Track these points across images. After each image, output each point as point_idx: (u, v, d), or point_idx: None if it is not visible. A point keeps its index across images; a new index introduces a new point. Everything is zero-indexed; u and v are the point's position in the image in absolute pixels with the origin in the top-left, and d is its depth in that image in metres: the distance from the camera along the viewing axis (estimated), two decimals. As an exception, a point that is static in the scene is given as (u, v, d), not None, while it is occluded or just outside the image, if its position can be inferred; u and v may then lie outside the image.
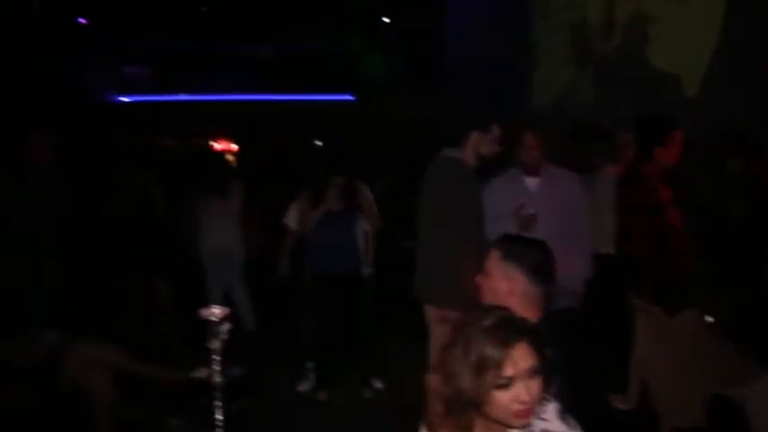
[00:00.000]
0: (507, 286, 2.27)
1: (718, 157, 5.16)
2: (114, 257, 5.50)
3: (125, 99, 14.68)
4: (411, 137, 9.22)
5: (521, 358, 1.64)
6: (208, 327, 2.08)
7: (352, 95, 13.81)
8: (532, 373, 1.65)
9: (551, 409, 1.84)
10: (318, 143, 8.29)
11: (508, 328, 1.68)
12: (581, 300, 4.10)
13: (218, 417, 2.17)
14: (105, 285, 5.52)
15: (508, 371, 1.63)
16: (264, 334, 5.82)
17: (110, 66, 14.31)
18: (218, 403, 2.17)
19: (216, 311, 2.08)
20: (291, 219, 4.94)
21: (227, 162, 6.80)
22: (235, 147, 11.71)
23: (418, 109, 10.38)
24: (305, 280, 4.93)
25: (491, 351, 1.64)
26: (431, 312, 3.76)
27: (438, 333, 3.59)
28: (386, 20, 13.24)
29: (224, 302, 5.51)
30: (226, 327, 2.10)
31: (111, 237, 5.52)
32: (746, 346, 3.85)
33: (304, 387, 4.93)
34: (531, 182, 4.17)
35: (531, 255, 2.32)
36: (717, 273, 4.28)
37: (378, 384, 4.90)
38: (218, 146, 11.55)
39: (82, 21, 13.24)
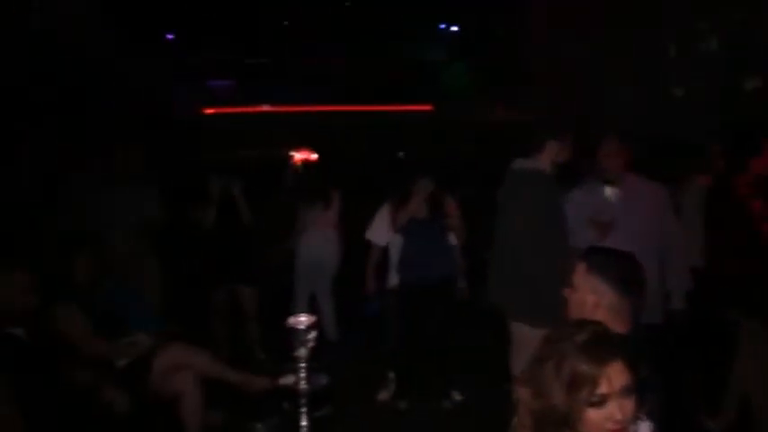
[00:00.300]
0: (594, 299, 2.23)
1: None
2: (202, 266, 5.68)
3: (210, 111, 15.15)
4: (491, 145, 9.16)
5: (616, 376, 1.61)
6: (294, 335, 2.11)
7: (433, 105, 13.85)
8: (627, 391, 1.62)
9: (644, 429, 1.80)
10: (401, 154, 8.32)
11: (604, 345, 1.65)
12: (677, 317, 3.93)
13: (303, 423, 2.20)
14: (194, 293, 5.71)
15: (602, 389, 1.60)
16: (345, 342, 5.87)
17: (195, 80, 14.80)
18: (303, 410, 2.19)
19: (303, 320, 2.11)
20: (374, 233, 4.97)
21: (329, 172, 6.86)
22: (314, 156, 11.90)
23: (498, 117, 10.32)
24: (390, 289, 4.94)
25: (586, 368, 1.61)
26: (522, 330, 3.64)
27: (525, 352, 3.47)
28: (465, 29, 13.22)
29: (310, 310, 5.61)
30: (312, 335, 2.13)
31: (198, 246, 5.70)
32: None
33: (384, 396, 4.95)
34: (612, 191, 3.99)
35: (618, 266, 2.27)
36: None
37: (457, 396, 4.87)
38: (298, 156, 11.78)
39: (169, 37, 13.76)
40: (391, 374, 4.98)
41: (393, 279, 4.89)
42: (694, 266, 4.63)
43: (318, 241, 5.80)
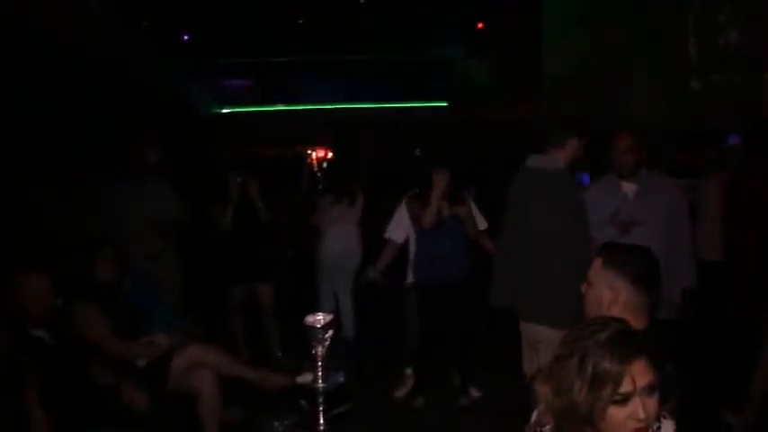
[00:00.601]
0: (610, 295, 2.22)
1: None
2: (220, 265, 5.72)
3: (226, 110, 15.22)
4: (507, 143, 9.12)
5: (639, 374, 1.60)
6: (313, 333, 2.12)
7: (448, 102, 13.82)
8: (650, 390, 1.61)
9: (667, 427, 1.79)
10: (418, 151, 8.31)
11: (628, 343, 1.63)
12: (681, 310, 3.90)
13: (321, 421, 2.21)
14: (213, 291, 5.75)
15: (626, 387, 1.59)
16: (363, 339, 5.89)
17: (211, 79, 14.88)
18: (321, 408, 2.20)
19: (321, 318, 2.12)
20: (393, 231, 4.97)
21: (349, 169, 6.88)
22: (331, 154, 11.95)
23: (516, 114, 10.28)
24: (408, 287, 4.94)
25: (609, 365, 1.59)
26: (539, 330, 3.58)
27: (544, 352, 3.40)
28: (482, 26, 13.17)
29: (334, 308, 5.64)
30: (330, 333, 2.14)
31: (216, 244, 5.74)
32: None
33: (401, 393, 4.96)
34: (628, 188, 3.98)
35: (634, 262, 2.25)
36: None
37: (475, 393, 4.86)
38: (315, 153, 11.84)
39: (185, 37, 13.84)
40: (408, 371, 4.99)
41: (411, 276, 4.89)
42: (711, 261, 4.62)
43: (341, 239, 5.83)
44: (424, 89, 13.67)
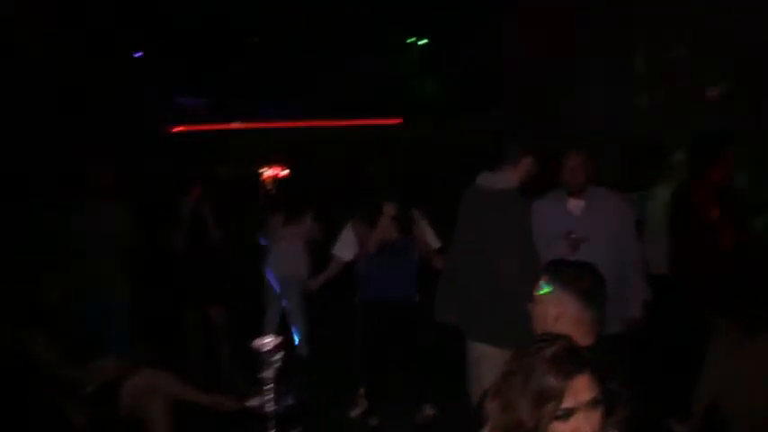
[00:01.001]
0: (556, 311, 2.25)
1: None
2: (173, 286, 5.64)
3: (180, 129, 15.05)
4: (463, 160, 9.20)
5: (582, 390, 1.63)
6: (260, 357, 2.11)
7: (404, 119, 13.89)
8: (593, 404, 1.63)
9: None
10: (369, 168, 8.33)
11: (570, 359, 1.66)
12: (634, 325, 3.96)
13: (272, 444, 2.20)
14: (165, 313, 5.66)
15: (569, 402, 1.61)
16: (317, 359, 5.85)
17: (165, 96, 14.70)
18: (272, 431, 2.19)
19: (269, 341, 2.11)
20: (341, 248, 4.97)
21: (299, 187, 6.86)
22: (285, 172, 11.91)
23: (472, 131, 10.38)
24: (358, 306, 4.94)
25: (552, 382, 1.62)
26: (485, 348, 3.61)
27: (489, 371, 3.33)
28: (436, 43, 13.30)
29: (281, 328, 5.58)
30: (279, 356, 2.13)
31: (169, 265, 5.66)
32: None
33: (356, 412, 4.94)
34: (575, 204, 3.95)
35: (580, 279, 2.29)
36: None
37: (430, 410, 4.87)
38: (269, 172, 11.79)
39: (137, 54, 13.67)
40: (362, 391, 4.97)
41: (360, 297, 4.91)
42: (660, 274, 4.72)
43: (287, 256, 5.79)
44: (380, 105, 13.72)
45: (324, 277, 5.08)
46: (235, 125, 14.16)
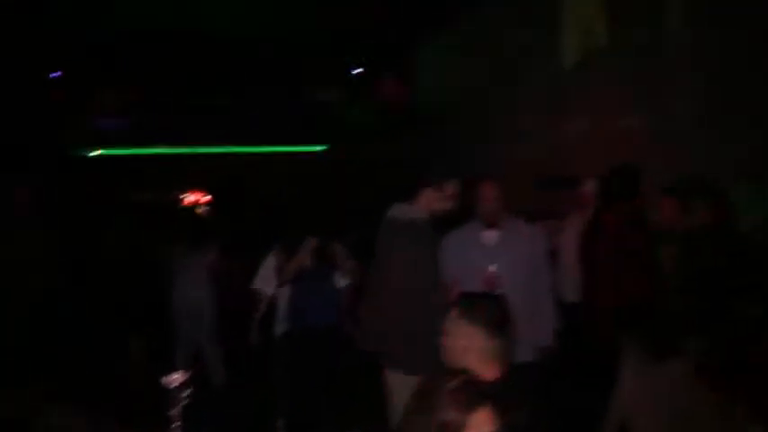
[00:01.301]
0: (464, 344, 2.30)
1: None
2: (92, 315, 5.46)
3: (100, 152, 14.65)
4: (385, 187, 9.25)
5: (482, 422, 1.67)
6: (168, 393, 2.07)
7: (328, 146, 13.93)
8: None
9: None
10: (292, 195, 8.29)
11: (471, 393, 1.70)
12: (546, 352, 4.07)
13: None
14: (79, 342, 5.47)
15: None
16: (235, 392, 5.73)
17: (84, 119, 14.30)
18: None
19: (176, 378, 2.07)
20: (261, 282, 4.93)
21: (202, 216, 6.78)
22: (208, 198, 11.72)
23: (393, 158, 10.47)
24: (277, 337, 4.90)
25: (452, 415, 1.65)
26: (397, 377, 3.64)
27: (400, 400, 3.36)
28: (360, 70, 13.43)
29: (191, 362, 5.46)
30: (186, 392, 2.09)
31: (83, 293, 5.49)
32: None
33: (274, 444, 4.88)
34: (489, 235, 3.98)
35: (487, 310, 2.35)
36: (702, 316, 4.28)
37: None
38: (191, 198, 11.59)
39: (55, 75, 13.27)
40: (280, 423, 4.91)
41: (280, 328, 4.88)
42: (573, 302, 4.87)
43: (192, 286, 5.71)
44: (305, 133, 13.71)
45: (258, 316, 5.00)
46: (156, 149, 13.88)
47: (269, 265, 4.88)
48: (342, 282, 4.93)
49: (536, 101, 8.48)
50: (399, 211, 3.84)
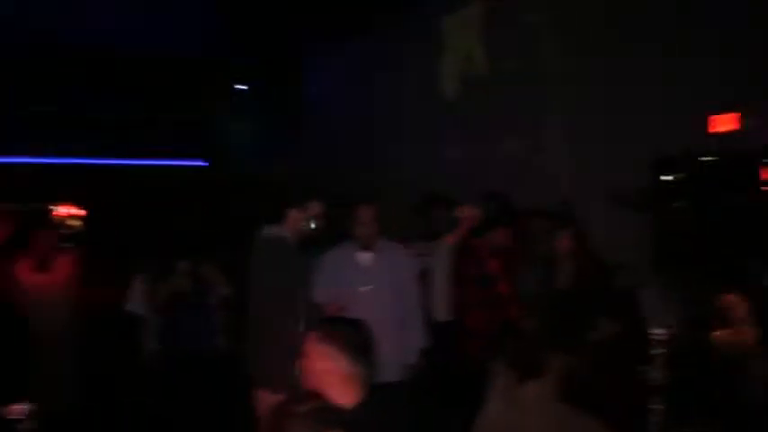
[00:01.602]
0: (324, 367, 2.30)
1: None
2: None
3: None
4: (264, 204, 9.14)
5: None
6: (8, 426, 1.96)
7: (207, 161, 13.67)
8: None
9: None
10: (164, 216, 8.04)
11: (320, 418, 1.71)
12: (413, 371, 4.15)
13: None
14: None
15: None
16: (100, 417, 5.47)
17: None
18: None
19: (16, 409, 1.97)
20: (133, 305, 4.78)
21: (54, 229, 6.29)
22: (80, 212, 11.19)
23: (273, 176, 10.38)
24: (149, 360, 4.76)
25: None
26: (264, 396, 3.65)
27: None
28: (242, 87, 13.28)
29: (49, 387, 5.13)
30: (29, 425, 1.99)
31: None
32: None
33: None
34: (364, 257, 4.12)
35: (347, 334, 2.37)
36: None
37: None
38: (62, 210, 11.03)
39: None
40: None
41: (155, 349, 4.78)
42: (443, 321, 4.99)
43: (44, 309, 5.36)
44: (186, 147, 13.38)
45: (150, 342, 4.84)
46: (23, 159, 13.14)
47: (140, 288, 4.75)
48: (215, 301, 4.86)
49: (418, 125, 8.64)
50: (268, 230, 3.88)
